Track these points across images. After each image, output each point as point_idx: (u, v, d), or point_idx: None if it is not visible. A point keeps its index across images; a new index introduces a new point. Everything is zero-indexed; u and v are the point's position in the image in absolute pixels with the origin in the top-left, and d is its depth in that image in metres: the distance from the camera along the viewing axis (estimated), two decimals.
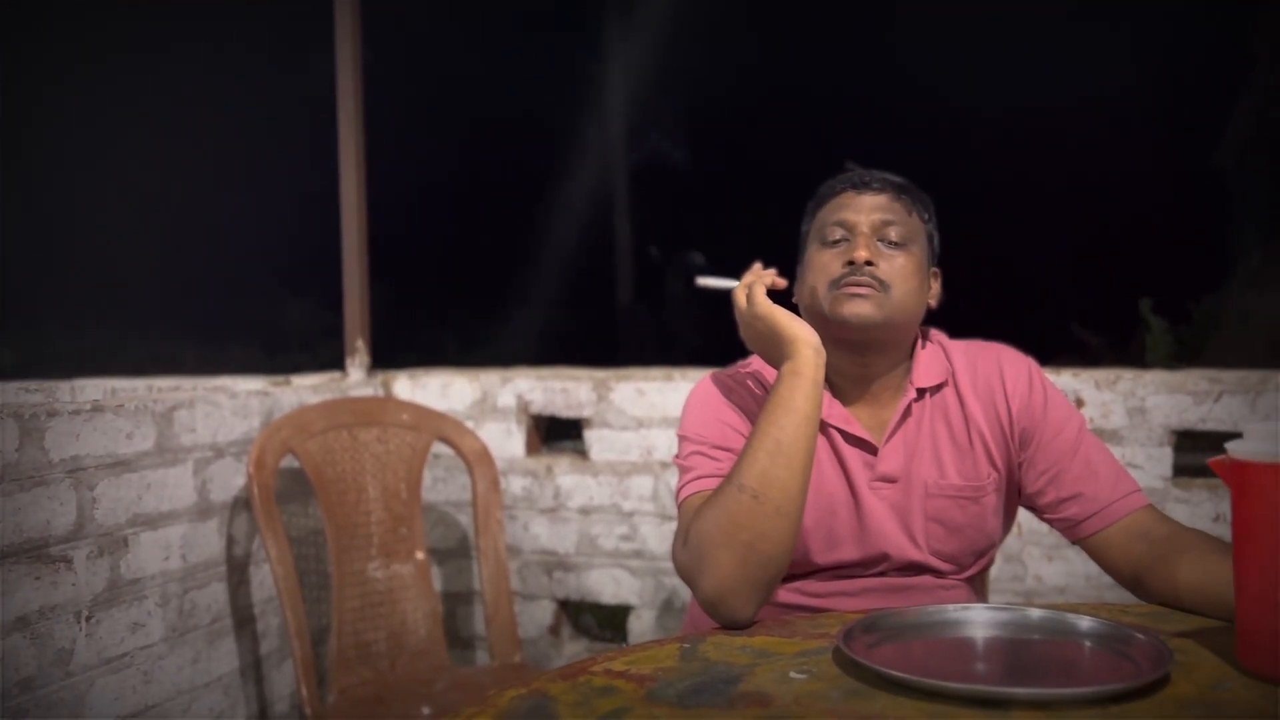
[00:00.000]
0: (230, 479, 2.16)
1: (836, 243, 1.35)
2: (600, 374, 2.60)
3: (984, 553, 1.44)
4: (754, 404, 1.38)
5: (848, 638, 1.03)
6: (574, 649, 2.69)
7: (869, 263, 1.32)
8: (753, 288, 1.29)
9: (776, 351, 1.26)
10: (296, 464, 2.19)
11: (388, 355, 3.08)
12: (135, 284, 10.99)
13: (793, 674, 0.99)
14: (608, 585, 2.61)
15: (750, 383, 1.41)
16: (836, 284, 1.33)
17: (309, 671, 1.95)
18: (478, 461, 2.32)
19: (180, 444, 2.04)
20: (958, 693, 0.89)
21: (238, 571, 2.20)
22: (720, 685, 0.96)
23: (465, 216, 12.29)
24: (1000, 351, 1.43)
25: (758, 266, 1.34)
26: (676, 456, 1.38)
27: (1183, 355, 8.08)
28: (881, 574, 1.40)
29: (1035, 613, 1.12)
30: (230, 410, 2.17)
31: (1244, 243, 9.00)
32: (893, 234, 1.35)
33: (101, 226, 11.12)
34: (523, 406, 2.65)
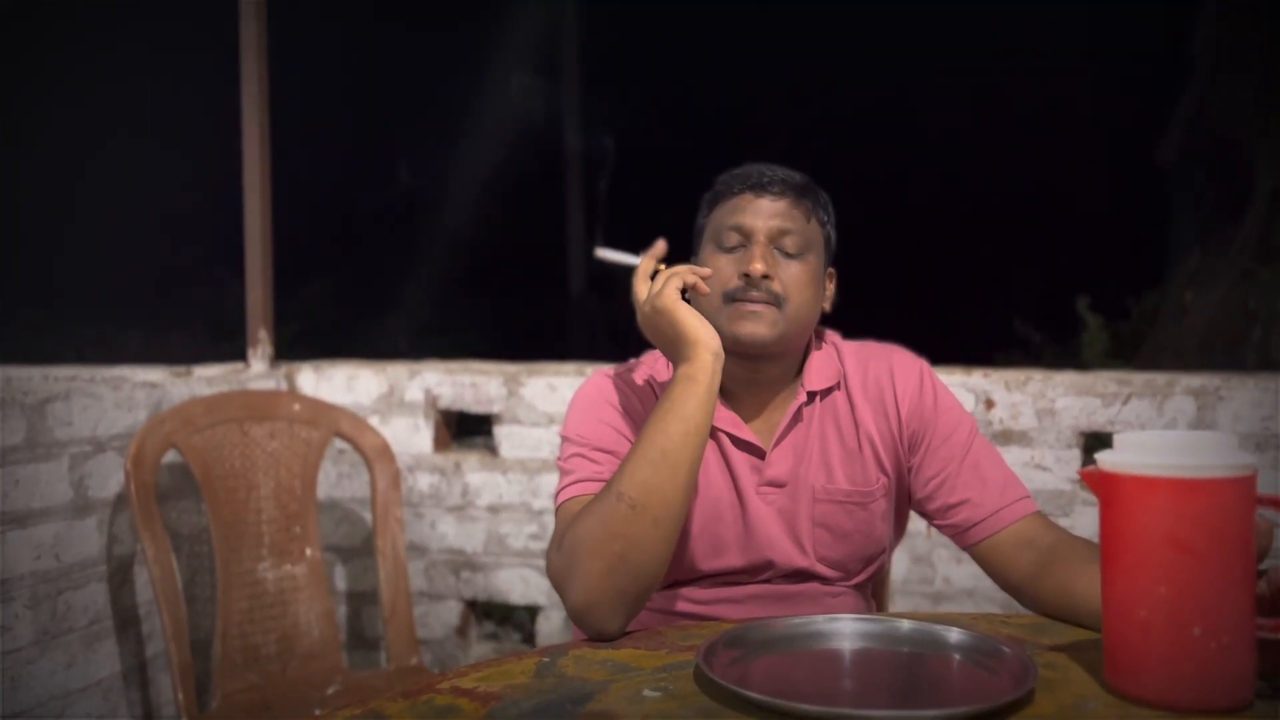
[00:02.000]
0: (112, 475, 2.07)
1: (733, 249, 1.31)
2: (511, 368, 2.54)
3: (873, 559, 1.41)
4: (641, 406, 1.34)
5: (708, 654, 0.99)
6: (482, 650, 2.64)
7: (765, 275, 1.27)
8: (668, 281, 1.21)
9: (674, 351, 1.21)
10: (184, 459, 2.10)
11: (328, 347, 2.99)
12: (74, 270, 10.68)
13: (646, 692, 0.95)
14: (516, 585, 2.56)
15: (640, 382, 1.37)
16: (732, 297, 1.29)
17: (186, 677, 1.87)
18: (377, 458, 2.26)
19: (54, 438, 1.95)
20: (809, 714, 0.85)
21: (121, 571, 2.11)
22: (568, 705, 0.92)
23: (409, 207, 12.13)
24: (892, 353, 1.40)
25: (661, 247, 1.27)
26: (559, 458, 1.34)
27: (1120, 352, 8.22)
28: (767, 581, 1.37)
29: (905, 624, 1.09)
30: (113, 403, 2.08)
31: (1182, 240, 9.18)
32: (789, 244, 1.30)
33: (36, 211, 10.79)
34: (431, 401, 2.58)
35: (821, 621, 1.10)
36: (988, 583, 2.30)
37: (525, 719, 0.88)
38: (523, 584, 2.56)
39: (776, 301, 1.28)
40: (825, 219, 1.36)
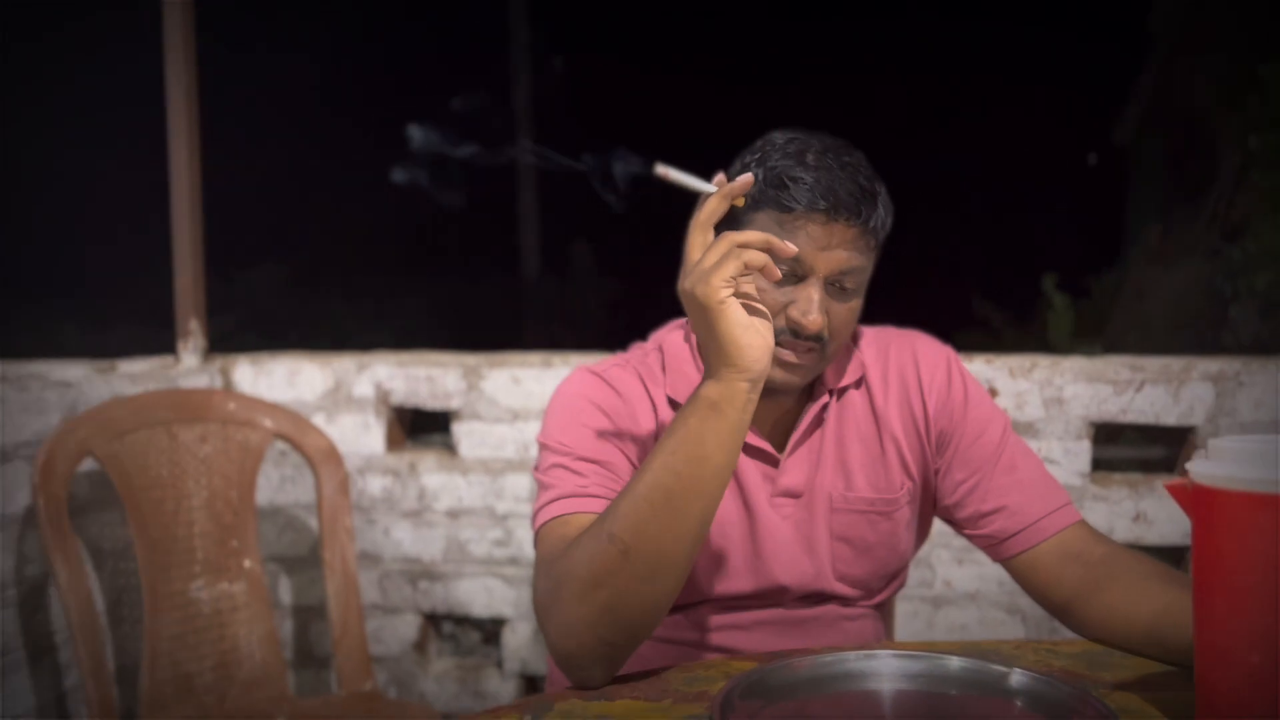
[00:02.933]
0: (21, 487, 1.86)
1: (783, 278, 1.07)
2: (470, 360, 2.37)
3: (895, 575, 1.27)
4: (632, 409, 1.18)
5: (724, 708, 0.84)
6: (443, 667, 2.47)
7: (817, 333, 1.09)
8: (727, 256, 0.91)
9: (705, 355, 0.96)
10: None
11: (272, 335, 2.79)
12: (16, 261, 10.25)
13: None
14: (479, 596, 2.39)
15: (633, 380, 1.20)
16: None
17: (106, 715, 1.68)
18: (323, 461, 2.07)
19: None
20: None
21: (34, 595, 1.91)
22: None
23: (359, 189, 11.84)
24: (916, 341, 1.25)
25: (745, 181, 0.94)
26: (536, 468, 1.17)
27: (1082, 331, 8.22)
28: (779, 605, 1.22)
29: (954, 662, 0.94)
30: (19, 405, 1.87)
31: (1141, 219, 9.20)
32: (849, 282, 1.11)
33: None
34: (382, 396, 2.40)
35: (853, 659, 0.95)
36: (991, 586, 2.18)
37: None
38: (486, 594, 2.39)
39: (821, 346, 1.11)
40: (883, 237, 1.15)
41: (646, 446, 1.17)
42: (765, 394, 1.17)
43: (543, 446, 1.16)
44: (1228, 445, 0.78)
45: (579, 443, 1.13)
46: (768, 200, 1.08)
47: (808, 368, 1.12)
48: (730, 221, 1.11)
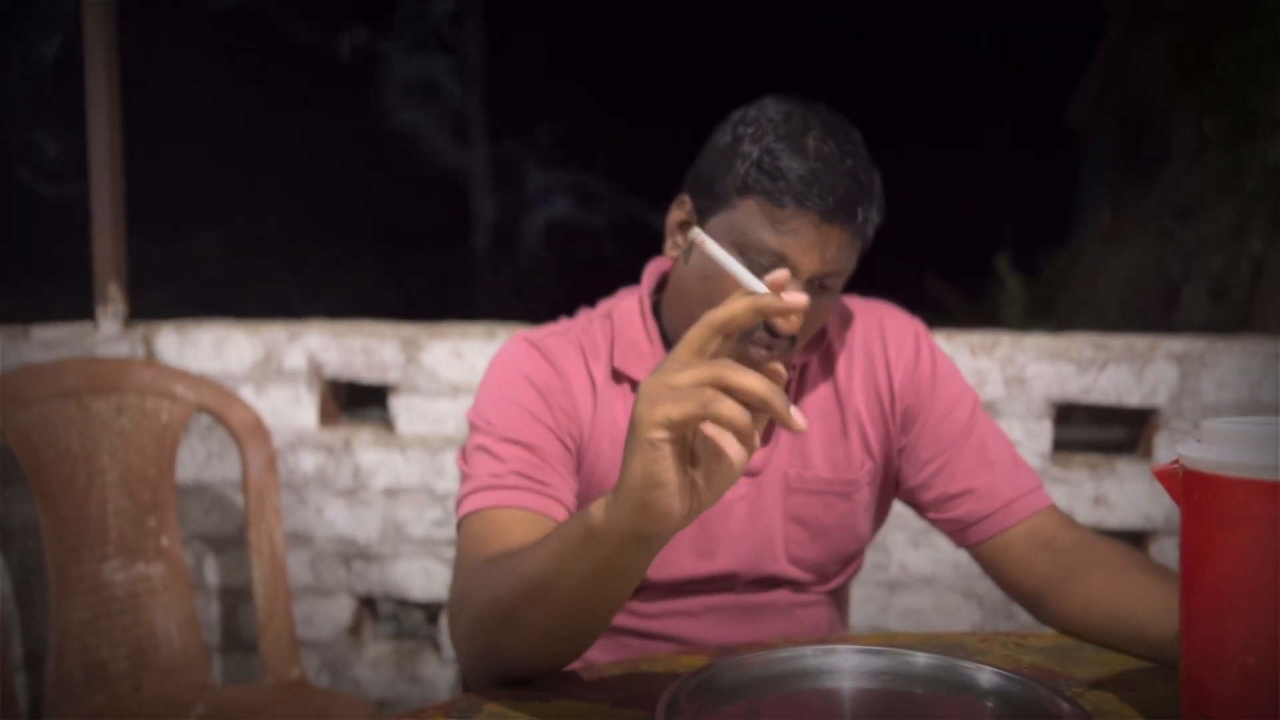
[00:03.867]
0: None
1: (762, 270, 0.99)
2: (409, 331, 2.27)
3: (852, 558, 1.21)
4: (568, 384, 1.09)
5: (671, 710, 0.77)
6: (377, 651, 2.38)
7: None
8: (701, 394, 0.66)
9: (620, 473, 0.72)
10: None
11: (221, 309, 2.66)
12: None
13: None
14: (418, 579, 2.31)
15: (571, 351, 1.12)
16: (740, 337, 1.02)
17: (8, 704, 1.58)
18: (250, 437, 1.97)
19: None
20: None
21: None
22: None
23: (301, 158, 11.58)
24: (883, 312, 1.19)
25: (781, 276, 0.68)
26: (463, 448, 1.09)
27: (1034, 311, 8.30)
28: (730, 589, 1.15)
29: (920, 659, 0.88)
30: None
31: (1093, 200, 9.30)
32: (832, 281, 1.03)
33: None
34: (315, 368, 2.29)
35: (811, 655, 0.88)
36: (948, 570, 2.14)
37: None
38: (425, 577, 2.30)
39: (792, 344, 1.04)
40: (870, 232, 1.06)
41: (582, 427, 1.09)
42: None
43: (471, 424, 1.08)
44: (1222, 427, 0.72)
45: (505, 422, 1.05)
46: (758, 187, 0.99)
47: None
48: (712, 202, 1.03)
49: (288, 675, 1.91)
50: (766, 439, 1.13)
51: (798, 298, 0.66)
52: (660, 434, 0.66)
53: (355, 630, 2.37)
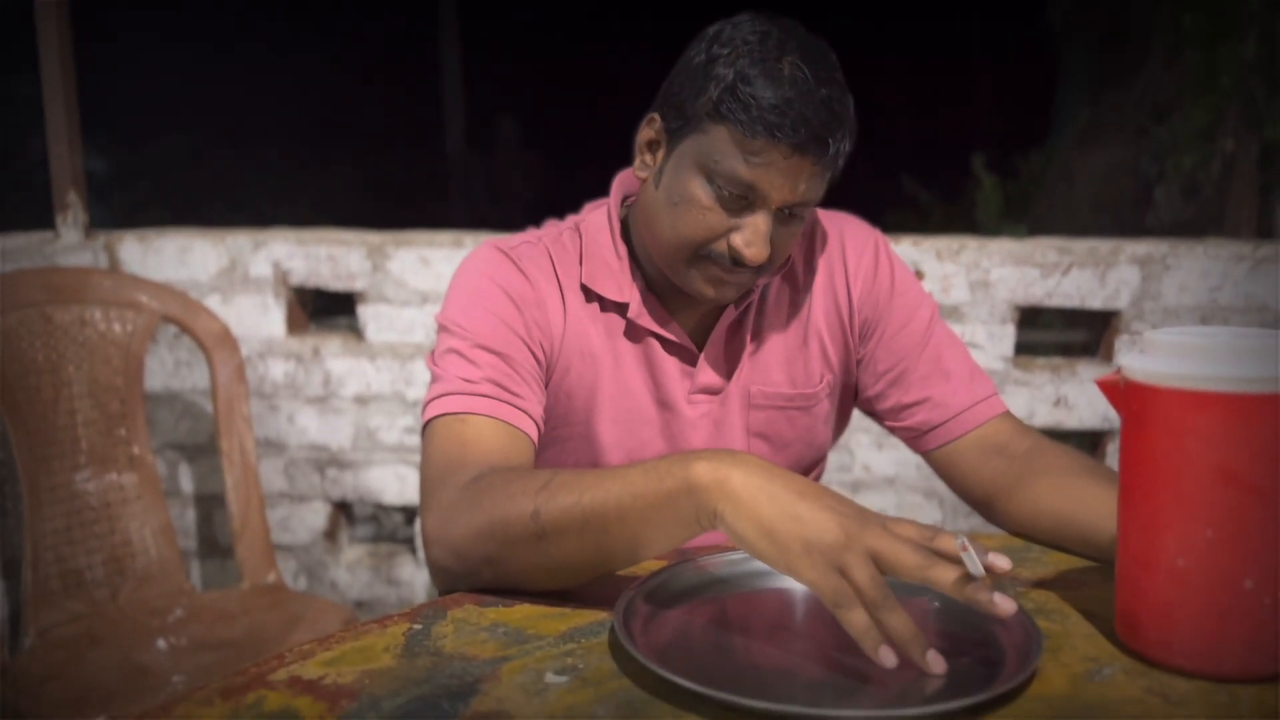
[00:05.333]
0: None
1: (731, 199, 1.00)
2: (375, 238, 2.25)
3: (813, 467, 1.24)
4: (543, 292, 1.09)
5: (626, 615, 0.80)
6: (355, 555, 2.43)
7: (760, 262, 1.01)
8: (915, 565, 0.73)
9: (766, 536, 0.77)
10: None
11: (191, 212, 2.62)
12: None
13: (550, 676, 0.75)
14: (390, 484, 2.34)
15: (542, 261, 1.11)
16: (708, 257, 1.02)
17: None
18: (217, 346, 1.97)
19: None
20: (767, 712, 0.67)
21: None
22: (444, 704, 0.71)
23: (270, 59, 11.24)
24: (844, 224, 1.19)
25: (1000, 565, 0.74)
26: (432, 351, 1.09)
27: (1010, 211, 8.30)
28: None
29: None
30: None
31: (1071, 100, 9.21)
32: (800, 210, 1.02)
33: None
34: (280, 276, 2.27)
35: None
36: (910, 470, 2.19)
37: None
38: (399, 482, 2.33)
39: (758, 271, 1.04)
40: (841, 162, 1.04)
41: (553, 339, 1.09)
42: (687, 299, 1.10)
43: (440, 327, 1.08)
44: (1163, 339, 0.74)
45: (478, 328, 1.05)
46: (730, 115, 0.96)
47: (738, 287, 1.05)
48: (683, 124, 1.01)
49: (263, 580, 1.95)
50: (733, 360, 1.14)
51: (1008, 606, 0.72)
52: (814, 566, 0.74)
53: (331, 535, 2.40)
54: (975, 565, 0.72)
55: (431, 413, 1.01)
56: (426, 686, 0.73)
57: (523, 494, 0.86)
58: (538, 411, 1.05)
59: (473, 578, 0.91)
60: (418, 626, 0.84)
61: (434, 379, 1.05)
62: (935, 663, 0.72)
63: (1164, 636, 0.74)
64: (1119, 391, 0.77)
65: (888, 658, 0.72)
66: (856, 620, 0.72)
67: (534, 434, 1.03)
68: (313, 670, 0.77)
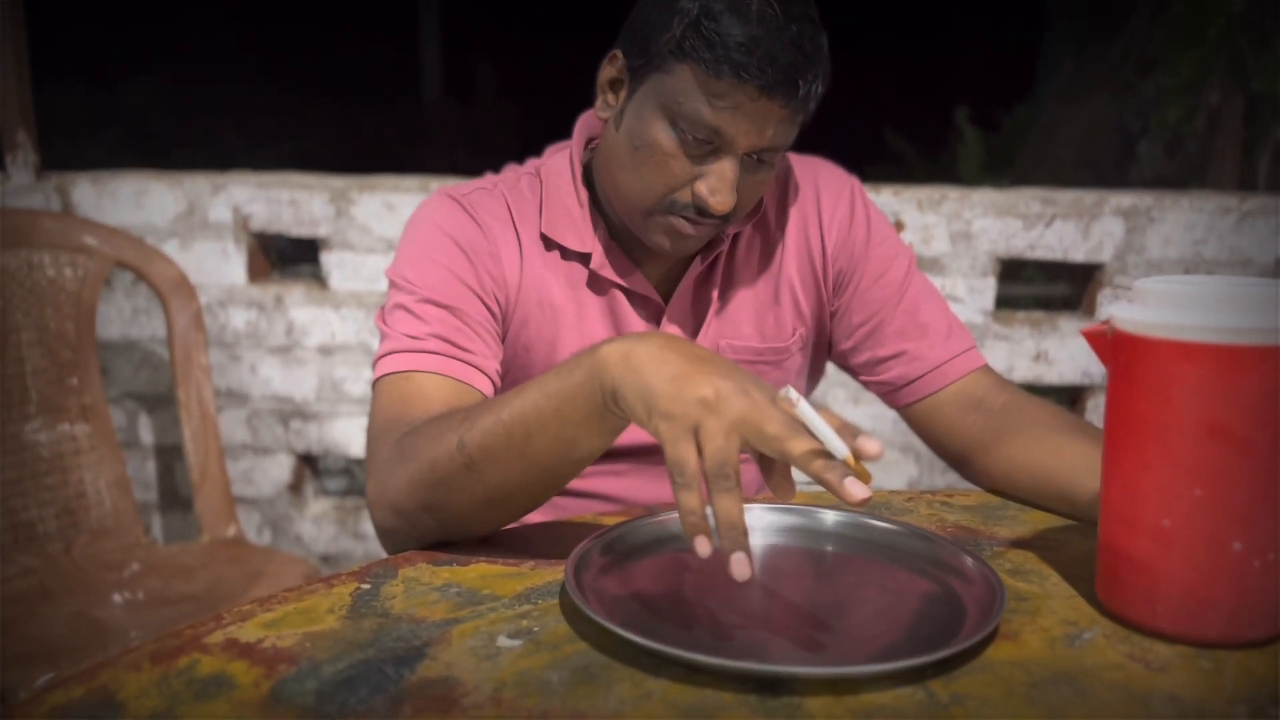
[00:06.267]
0: None
1: (696, 144, 0.94)
2: (338, 183, 2.18)
3: None
4: (497, 241, 1.04)
5: (579, 568, 0.77)
6: (319, 509, 2.38)
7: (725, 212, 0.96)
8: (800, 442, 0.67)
9: (637, 388, 0.73)
10: None
11: (164, 156, 2.53)
12: None
13: (502, 640, 0.71)
14: (356, 437, 2.29)
15: (504, 204, 1.06)
16: (670, 209, 0.97)
17: None
18: (173, 293, 1.90)
19: None
20: (726, 670, 0.64)
21: None
22: (388, 669, 0.67)
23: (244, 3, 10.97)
24: (818, 169, 1.14)
25: (871, 449, 0.68)
26: (382, 307, 1.04)
27: (993, 166, 8.26)
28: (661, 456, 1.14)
29: (829, 516, 0.89)
30: None
31: (1056, 54, 9.15)
32: (769, 156, 0.97)
33: None
34: (241, 221, 2.20)
35: None
36: (886, 425, 2.17)
37: (325, 698, 0.63)
38: (364, 435, 2.28)
39: (724, 221, 1.00)
40: (814, 105, 0.98)
41: (508, 290, 1.05)
42: (650, 250, 1.06)
43: (390, 282, 1.03)
44: (1154, 287, 0.70)
45: (425, 281, 1.00)
46: (694, 53, 0.90)
47: (700, 239, 1.01)
48: (646, 62, 0.95)
49: (223, 534, 1.91)
50: (701, 310, 1.10)
51: (860, 491, 0.66)
52: (670, 429, 0.70)
53: (296, 488, 2.36)
54: (837, 444, 0.67)
55: (377, 372, 0.97)
56: (371, 650, 0.70)
57: (448, 429, 0.83)
58: (492, 366, 1.00)
59: (418, 532, 0.87)
60: (366, 586, 0.80)
61: (382, 337, 1.00)
62: (739, 566, 0.68)
63: (1147, 600, 0.71)
64: (1106, 343, 0.73)
65: (701, 547, 0.69)
66: (684, 501, 0.69)
67: (488, 389, 0.98)
68: (251, 632, 0.73)
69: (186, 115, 9.75)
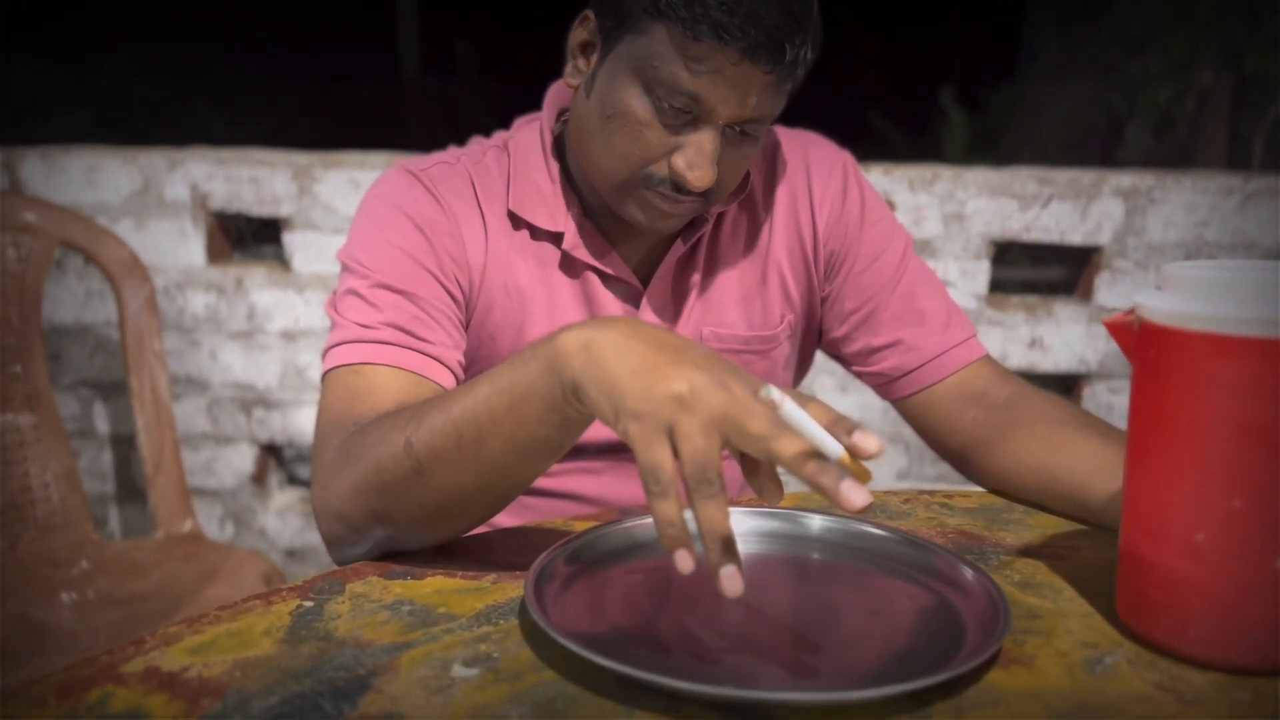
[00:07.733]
0: None
1: (673, 112, 0.86)
2: (301, 159, 2.09)
3: None
4: (459, 220, 0.96)
5: (542, 577, 0.70)
6: (284, 501, 2.30)
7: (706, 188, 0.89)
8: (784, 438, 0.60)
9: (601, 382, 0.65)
10: None
11: (138, 137, 2.42)
12: None
13: (457, 669, 0.64)
14: None
15: (468, 180, 0.98)
16: (647, 184, 0.90)
17: None
18: (125, 275, 1.81)
19: None
20: (702, 697, 0.58)
21: None
22: (328, 703, 0.60)
23: None
24: (809, 144, 1.06)
25: (869, 446, 0.60)
26: (333, 294, 0.96)
27: (978, 146, 8.21)
28: None
29: (815, 521, 0.82)
30: None
31: (1041, 33, 9.11)
32: (753, 129, 0.89)
33: None
34: (199, 200, 2.11)
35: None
36: (876, 415, 2.10)
37: None
38: None
39: (705, 199, 0.92)
40: (802, 72, 0.90)
41: (471, 273, 0.97)
42: (632, 228, 0.98)
43: (342, 265, 0.95)
44: (1187, 273, 0.63)
45: (379, 264, 0.92)
46: (669, 9, 0.82)
47: (682, 217, 0.93)
48: (619, 23, 0.87)
49: (179, 529, 1.82)
50: (682, 298, 1.02)
51: (860, 497, 0.58)
52: (641, 430, 0.62)
53: (259, 479, 2.28)
54: (830, 443, 0.59)
55: (326, 365, 0.90)
56: (308, 681, 0.62)
57: (394, 429, 0.75)
58: (453, 357, 0.92)
59: (367, 543, 0.80)
60: (308, 604, 0.73)
61: (333, 325, 0.92)
62: (730, 582, 0.60)
63: (1176, 621, 0.64)
64: (1131, 335, 0.66)
65: (683, 563, 0.61)
66: (660, 511, 0.61)
67: (449, 382, 0.91)
68: (175, 659, 0.65)
69: (160, 93, 9.58)
